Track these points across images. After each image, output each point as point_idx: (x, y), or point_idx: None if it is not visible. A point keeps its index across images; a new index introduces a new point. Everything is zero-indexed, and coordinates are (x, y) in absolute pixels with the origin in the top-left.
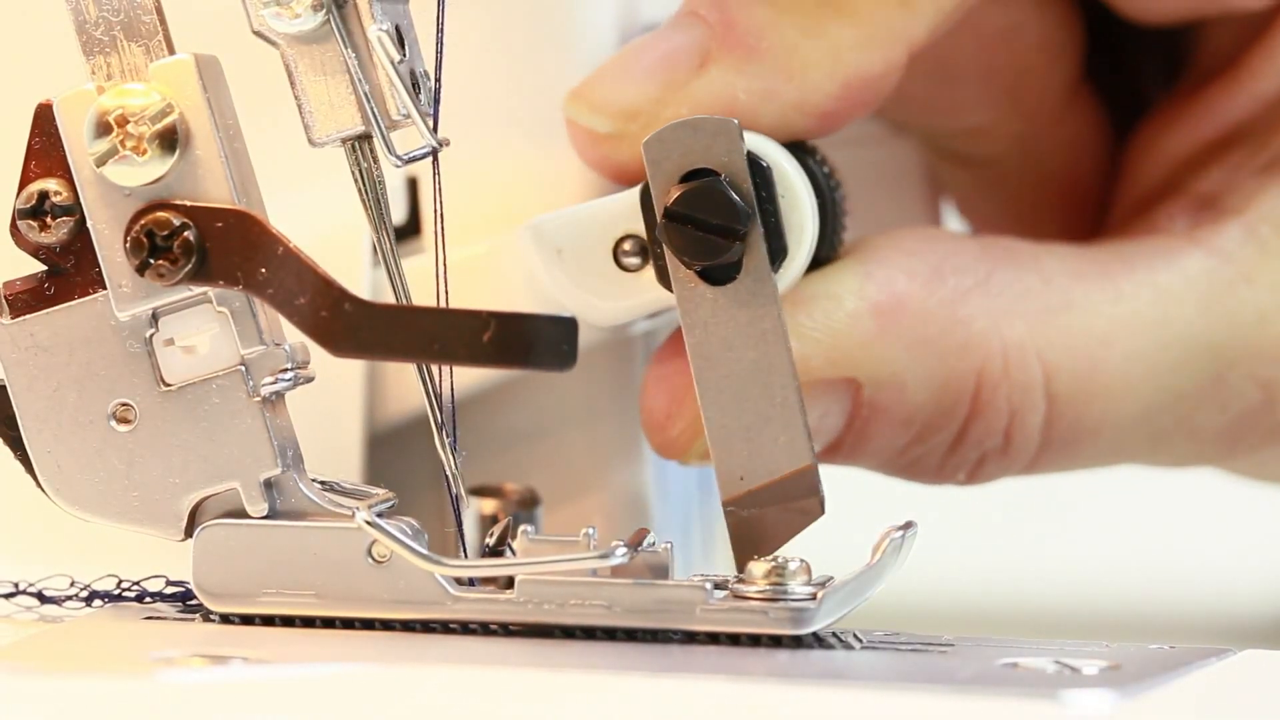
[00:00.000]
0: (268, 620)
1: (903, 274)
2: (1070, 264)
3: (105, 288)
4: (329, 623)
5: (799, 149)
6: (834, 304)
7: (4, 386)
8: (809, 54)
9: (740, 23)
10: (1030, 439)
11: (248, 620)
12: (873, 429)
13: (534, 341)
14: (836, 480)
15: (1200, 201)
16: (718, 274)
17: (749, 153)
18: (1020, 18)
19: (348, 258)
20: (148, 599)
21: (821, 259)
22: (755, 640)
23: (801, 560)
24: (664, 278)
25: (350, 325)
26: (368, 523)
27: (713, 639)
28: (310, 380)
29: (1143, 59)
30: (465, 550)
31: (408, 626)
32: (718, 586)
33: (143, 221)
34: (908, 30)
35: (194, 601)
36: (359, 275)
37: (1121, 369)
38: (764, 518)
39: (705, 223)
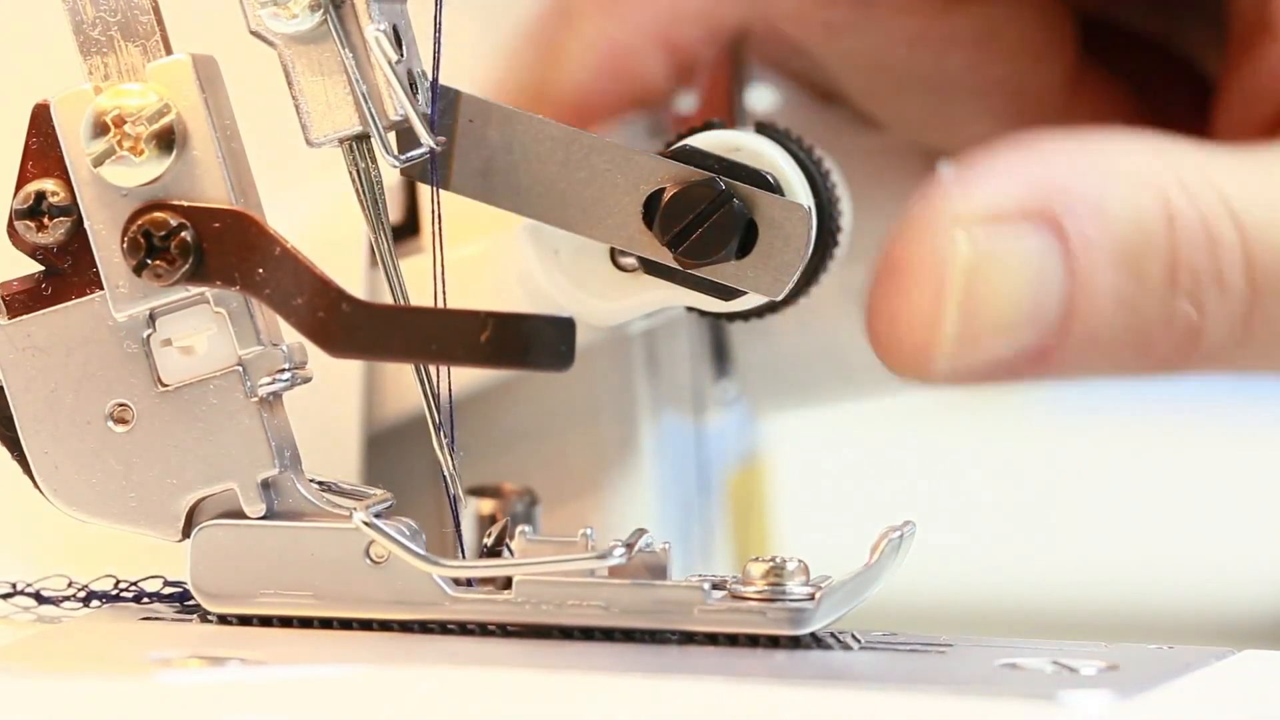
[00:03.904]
0: (265, 621)
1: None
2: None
3: (102, 288)
4: (327, 623)
5: (799, 151)
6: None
7: (1, 387)
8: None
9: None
10: (1235, 269)
11: (245, 621)
12: (1090, 268)
13: (532, 342)
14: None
15: None
16: (746, 243)
17: (684, 147)
18: (992, 23)
19: (345, 258)
20: (145, 599)
21: (818, 257)
22: (753, 641)
23: (799, 560)
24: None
25: (348, 326)
26: (365, 523)
27: (711, 639)
28: (308, 381)
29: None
30: (463, 551)
31: (405, 627)
32: (715, 587)
33: (140, 222)
34: None
35: (191, 602)
36: (356, 275)
37: None
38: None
39: (701, 218)
